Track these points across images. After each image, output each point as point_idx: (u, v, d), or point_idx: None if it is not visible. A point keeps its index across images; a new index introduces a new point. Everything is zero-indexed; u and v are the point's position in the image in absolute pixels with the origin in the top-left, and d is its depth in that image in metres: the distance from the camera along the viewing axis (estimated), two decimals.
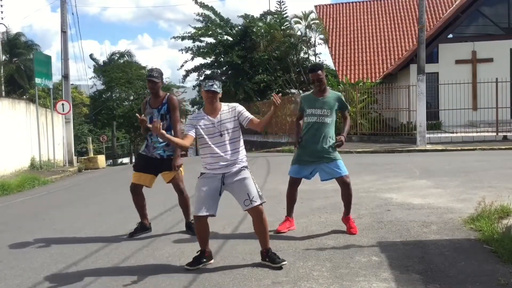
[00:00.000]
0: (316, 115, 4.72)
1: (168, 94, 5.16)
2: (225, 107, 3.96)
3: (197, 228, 3.99)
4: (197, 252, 4.02)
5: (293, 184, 4.94)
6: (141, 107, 5.35)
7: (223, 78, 28.97)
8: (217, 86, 3.83)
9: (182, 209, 5.18)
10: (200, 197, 3.86)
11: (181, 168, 5.06)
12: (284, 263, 3.82)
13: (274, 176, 8.90)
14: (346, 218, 4.82)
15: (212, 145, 3.86)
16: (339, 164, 4.73)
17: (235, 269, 3.87)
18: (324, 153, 4.69)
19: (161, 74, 5.09)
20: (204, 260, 3.98)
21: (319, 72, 4.71)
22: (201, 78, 30.42)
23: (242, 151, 3.97)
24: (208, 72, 30.01)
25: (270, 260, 3.85)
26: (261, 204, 3.83)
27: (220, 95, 3.92)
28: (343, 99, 4.90)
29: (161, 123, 4.73)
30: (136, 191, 5.10)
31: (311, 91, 4.95)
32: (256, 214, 3.84)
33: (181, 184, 5.07)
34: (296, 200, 5.06)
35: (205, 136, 3.86)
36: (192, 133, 3.86)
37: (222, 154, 3.85)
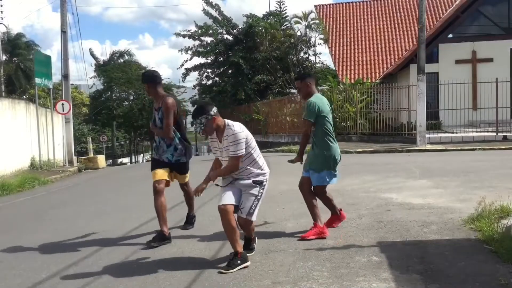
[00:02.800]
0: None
1: (165, 96, 4.90)
2: (228, 131, 3.95)
3: (223, 224, 3.96)
4: (230, 254, 4.01)
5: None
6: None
7: (224, 78, 28.99)
8: (202, 122, 3.86)
9: (188, 206, 5.42)
10: (222, 190, 4.02)
11: (188, 175, 5.22)
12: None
13: (274, 177, 8.87)
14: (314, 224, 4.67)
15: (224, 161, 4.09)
16: (312, 173, 4.69)
17: None
18: (309, 161, 4.74)
19: (151, 75, 4.99)
20: (239, 262, 3.87)
21: (297, 81, 4.84)
22: (201, 77, 30.52)
23: (250, 169, 4.01)
24: (209, 70, 30.10)
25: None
26: (245, 218, 3.94)
27: (213, 120, 3.90)
28: (305, 106, 4.78)
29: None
30: (160, 190, 4.76)
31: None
32: (241, 223, 3.97)
33: (188, 183, 5.26)
34: (331, 198, 4.93)
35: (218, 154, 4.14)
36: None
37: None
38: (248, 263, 3.88)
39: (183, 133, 5.05)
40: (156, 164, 4.98)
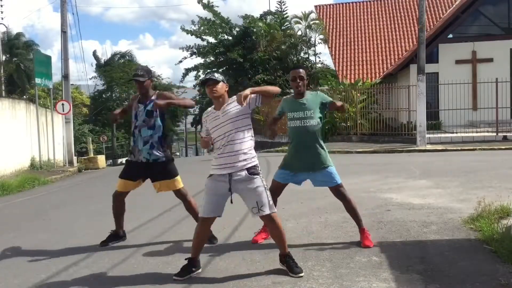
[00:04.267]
0: (298, 118, 4.30)
1: (157, 91, 4.82)
2: (233, 97, 3.77)
3: (198, 231, 3.77)
4: (185, 260, 3.80)
5: (277, 190, 4.43)
6: (128, 104, 4.88)
7: (226, 77, 29.09)
8: (216, 76, 3.71)
9: (193, 216, 4.75)
10: (207, 199, 3.72)
11: (178, 179, 4.71)
12: (301, 274, 3.59)
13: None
14: (360, 229, 4.38)
15: (217, 138, 3.68)
16: (332, 171, 4.33)
17: (235, 269, 3.87)
18: (316, 161, 4.30)
19: (148, 72, 4.71)
20: (194, 269, 3.77)
21: (301, 70, 4.38)
22: (201, 76, 30.60)
23: (249, 142, 3.70)
24: (209, 71, 30.17)
25: (287, 267, 3.68)
26: (270, 213, 3.65)
27: (223, 86, 3.73)
28: (324, 94, 4.52)
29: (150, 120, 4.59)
30: (119, 199, 4.74)
31: (291, 94, 4.56)
32: (267, 221, 3.71)
33: (182, 190, 4.70)
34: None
35: (211, 130, 3.72)
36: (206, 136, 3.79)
37: (224, 145, 3.64)
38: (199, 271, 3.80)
39: (165, 130, 4.77)
40: (126, 172, 4.71)
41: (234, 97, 3.73)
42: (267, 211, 3.64)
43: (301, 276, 3.59)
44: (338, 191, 4.39)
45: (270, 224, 3.73)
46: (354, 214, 4.42)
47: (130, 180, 4.70)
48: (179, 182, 4.70)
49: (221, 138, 3.68)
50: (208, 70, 29.53)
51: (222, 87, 3.73)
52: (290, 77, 4.42)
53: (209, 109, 3.87)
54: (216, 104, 3.78)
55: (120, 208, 4.82)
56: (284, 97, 4.58)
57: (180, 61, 29.95)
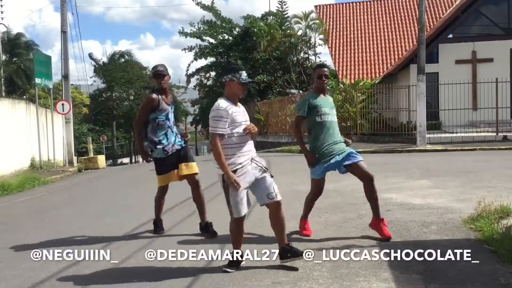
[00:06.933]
0: (328, 114, 4.65)
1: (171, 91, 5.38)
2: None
3: (238, 230, 3.88)
4: (236, 255, 3.91)
5: (321, 187, 4.81)
6: (149, 105, 5.06)
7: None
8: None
9: (198, 208, 5.12)
10: (242, 194, 3.80)
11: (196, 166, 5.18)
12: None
13: (274, 177, 8.88)
14: (376, 222, 4.54)
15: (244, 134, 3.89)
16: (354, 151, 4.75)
17: None
18: (343, 148, 4.69)
19: (166, 68, 5.22)
20: (244, 259, 3.92)
21: (325, 69, 4.74)
22: (202, 79, 30.64)
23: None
24: (212, 73, 30.13)
25: (292, 254, 3.83)
26: (280, 200, 3.91)
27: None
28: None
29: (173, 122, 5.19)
30: (165, 192, 5.30)
31: (312, 90, 4.87)
32: (277, 207, 3.90)
33: (196, 177, 5.10)
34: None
35: (241, 122, 3.87)
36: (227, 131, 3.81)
37: (250, 142, 3.95)
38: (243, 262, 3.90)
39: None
40: (163, 168, 5.14)
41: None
42: (279, 198, 3.91)
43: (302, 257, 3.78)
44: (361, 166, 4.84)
45: (279, 212, 3.91)
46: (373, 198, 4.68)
47: (168, 172, 5.14)
48: (196, 167, 5.20)
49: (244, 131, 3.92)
50: (212, 72, 29.51)
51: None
52: (316, 75, 4.68)
53: (226, 103, 3.86)
54: (236, 101, 3.97)
55: (163, 200, 5.34)
56: (306, 94, 4.93)
57: (187, 70, 29.70)
